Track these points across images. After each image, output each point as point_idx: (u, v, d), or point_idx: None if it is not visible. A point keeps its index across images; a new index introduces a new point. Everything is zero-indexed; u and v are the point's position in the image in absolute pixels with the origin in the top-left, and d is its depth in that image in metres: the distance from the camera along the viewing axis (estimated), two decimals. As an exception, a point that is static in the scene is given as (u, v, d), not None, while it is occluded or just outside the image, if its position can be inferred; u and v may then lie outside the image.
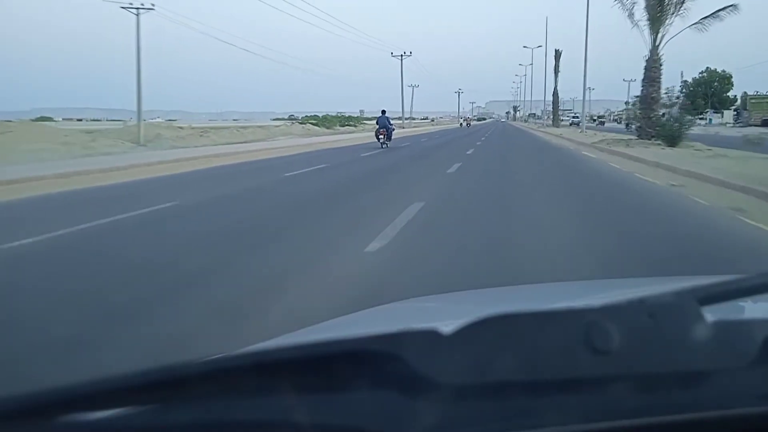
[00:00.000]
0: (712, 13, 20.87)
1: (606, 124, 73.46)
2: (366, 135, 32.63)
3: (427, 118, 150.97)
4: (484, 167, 13.97)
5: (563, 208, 7.35)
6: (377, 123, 22.76)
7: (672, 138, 18.94)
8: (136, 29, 25.57)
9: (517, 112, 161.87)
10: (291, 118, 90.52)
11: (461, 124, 79.88)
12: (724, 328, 0.58)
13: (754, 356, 0.55)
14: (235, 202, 8.18)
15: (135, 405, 0.50)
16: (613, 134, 27.87)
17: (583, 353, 0.52)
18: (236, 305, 3.56)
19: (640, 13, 21.57)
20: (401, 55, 60.68)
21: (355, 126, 62.38)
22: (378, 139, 21.92)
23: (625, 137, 23.00)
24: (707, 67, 73.10)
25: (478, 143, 26.35)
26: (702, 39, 21.40)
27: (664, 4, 20.80)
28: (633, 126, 24.40)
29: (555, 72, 63.20)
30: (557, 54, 63.10)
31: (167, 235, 5.95)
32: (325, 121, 60.68)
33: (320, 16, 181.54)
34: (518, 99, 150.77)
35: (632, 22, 21.84)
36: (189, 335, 3.07)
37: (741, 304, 0.89)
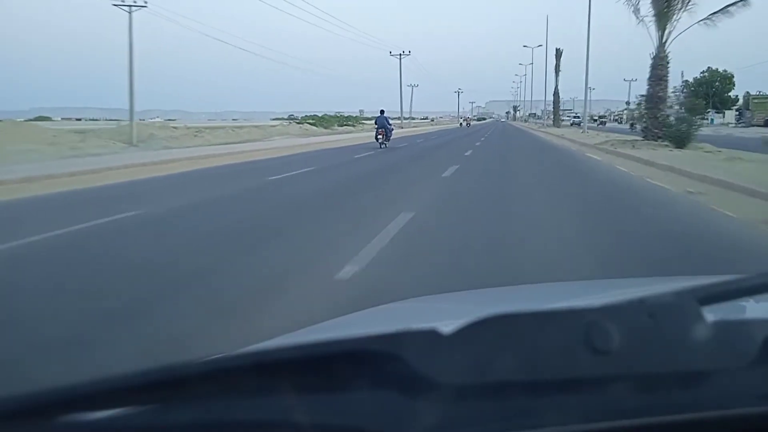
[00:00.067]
0: (722, 8, 19.99)
1: (607, 125, 73.50)
2: (364, 135, 32.52)
3: (426, 118, 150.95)
4: (484, 167, 13.88)
5: (574, 226, 6.25)
6: (376, 123, 22.78)
7: (680, 139, 18.25)
8: (129, 27, 25.60)
9: (517, 112, 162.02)
10: (290, 117, 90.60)
11: (461, 124, 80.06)
12: (724, 328, 0.58)
13: (754, 356, 0.56)
14: (199, 213, 7.22)
15: (135, 405, 0.50)
16: (617, 135, 27.61)
17: (583, 353, 0.52)
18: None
19: (647, 8, 20.95)
20: (400, 55, 60.87)
21: (354, 126, 62.49)
22: (377, 139, 21.94)
23: (630, 138, 22.73)
24: (708, 67, 72.76)
25: (477, 144, 26.26)
26: (702, 39, 21.23)
27: (671, -2, 20.24)
28: (638, 126, 23.80)
29: (556, 71, 62.99)
30: (558, 53, 62.93)
31: (102, 261, 4.80)
32: (323, 121, 60.84)
33: (320, 16, 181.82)
34: (518, 99, 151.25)
35: (638, 18, 21.23)
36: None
37: (741, 304, 0.89)
